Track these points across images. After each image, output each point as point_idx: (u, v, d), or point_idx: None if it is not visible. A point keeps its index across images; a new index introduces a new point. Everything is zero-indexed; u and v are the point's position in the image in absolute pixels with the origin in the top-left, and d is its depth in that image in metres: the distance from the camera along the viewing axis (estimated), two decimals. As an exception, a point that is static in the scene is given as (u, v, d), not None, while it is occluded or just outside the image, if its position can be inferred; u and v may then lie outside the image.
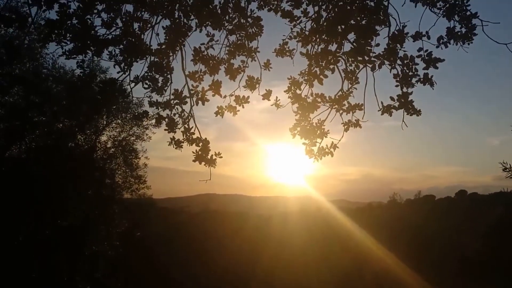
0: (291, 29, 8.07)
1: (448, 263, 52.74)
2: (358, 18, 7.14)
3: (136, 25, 7.36)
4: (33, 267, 23.16)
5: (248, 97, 8.28)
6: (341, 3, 7.40)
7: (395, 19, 6.90)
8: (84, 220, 25.70)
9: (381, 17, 6.97)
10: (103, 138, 30.82)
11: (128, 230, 30.37)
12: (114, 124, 30.82)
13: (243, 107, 8.32)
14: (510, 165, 7.54)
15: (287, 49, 8.39)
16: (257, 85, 8.35)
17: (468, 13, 6.74)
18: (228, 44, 8.36)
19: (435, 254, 55.04)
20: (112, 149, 30.84)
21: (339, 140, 7.84)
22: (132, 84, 7.35)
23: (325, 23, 7.56)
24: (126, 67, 7.27)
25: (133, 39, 7.28)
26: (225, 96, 8.23)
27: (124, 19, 7.23)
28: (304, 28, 7.96)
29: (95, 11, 6.80)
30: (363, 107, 7.61)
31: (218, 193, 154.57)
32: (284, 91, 8.11)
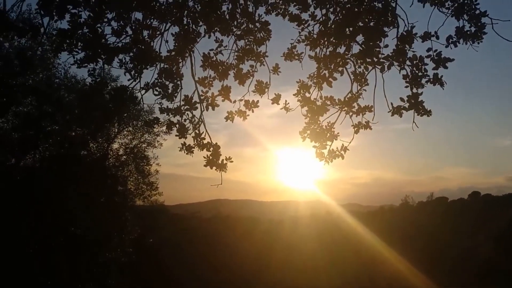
0: (299, 32, 8.08)
1: (462, 268, 52.37)
2: (366, 20, 7.15)
3: (145, 33, 7.41)
4: (47, 274, 23.29)
5: (258, 101, 8.27)
6: (349, 5, 7.39)
7: (404, 20, 6.89)
8: (97, 227, 25.83)
9: (389, 18, 6.98)
10: (115, 145, 31.14)
11: (141, 237, 30.44)
12: (125, 132, 31.12)
13: (252, 111, 8.31)
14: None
15: (295, 52, 8.37)
16: (266, 90, 8.34)
17: (477, 11, 6.68)
18: (236, 49, 8.37)
19: (449, 258, 54.64)
20: (124, 157, 31.07)
21: (349, 142, 7.84)
22: (143, 91, 7.44)
23: (333, 26, 7.58)
24: (136, 74, 7.34)
25: (143, 47, 7.35)
26: (234, 101, 8.23)
27: (133, 27, 7.29)
28: (312, 32, 7.97)
29: (105, 19, 6.87)
30: (373, 109, 7.60)
31: (229, 198, 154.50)
32: (294, 95, 8.11)
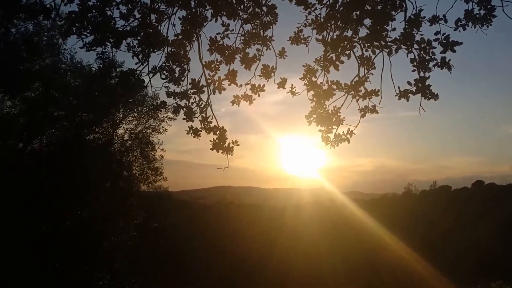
0: (306, 16, 8.07)
1: (465, 256, 52.47)
2: (373, 4, 7.14)
3: (153, 17, 7.44)
4: (56, 257, 23.56)
5: (264, 85, 8.30)
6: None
7: (412, 3, 6.86)
8: (103, 212, 26.05)
9: (397, 2, 6.96)
10: (120, 131, 31.23)
11: (145, 222, 30.65)
12: (130, 117, 31.18)
13: (259, 95, 8.34)
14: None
15: (302, 36, 8.38)
16: (272, 74, 8.35)
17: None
18: (243, 33, 8.37)
19: (452, 247, 54.73)
20: (129, 142, 31.18)
21: (355, 127, 7.86)
22: (150, 75, 7.49)
23: (340, 9, 7.57)
24: (143, 58, 7.38)
25: (150, 30, 7.38)
26: (241, 85, 8.26)
27: (141, 11, 7.31)
28: (319, 15, 7.96)
29: (114, 3, 6.90)
30: (379, 93, 7.59)
31: (232, 185, 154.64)
32: (300, 78, 8.12)
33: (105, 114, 27.34)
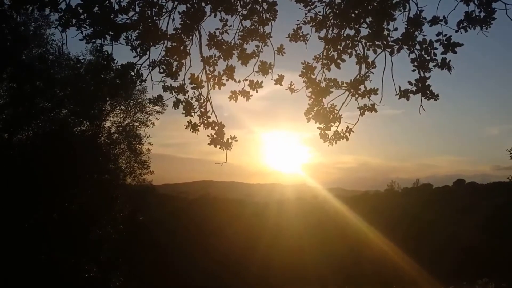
0: (305, 14, 8.10)
1: (446, 251, 53.00)
2: (374, 3, 7.17)
3: (152, 11, 7.41)
4: (41, 250, 23.47)
5: (262, 81, 8.31)
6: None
7: (415, 3, 6.90)
8: (89, 204, 25.98)
9: (396, 0, 6.99)
10: (107, 123, 31.03)
11: (131, 215, 30.56)
12: (118, 110, 30.99)
13: (256, 91, 8.34)
14: (517, 152, 7.61)
15: (300, 34, 8.40)
16: (269, 70, 8.36)
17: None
18: (241, 29, 8.37)
19: (433, 242, 55.26)
20: (116, 135, 30.99)
21: (354, 125, 7.90)
22: (150, 69, 7.46)
23: (340, 7, 7.59)
24: (142, 51, 7.36)
25: (150, 24, 7.35)
26: (239, 81, 8.26)
27: (141, 4, 7.28)
28: (318, 13, 7.98)
29: (115, -3, 6.87)
30: (378, 92, 7.62)
31: (215, 180, 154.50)
32: (299, 75, 8.13)
33: (92, 106, 27.15)
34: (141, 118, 31.45)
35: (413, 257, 47.79)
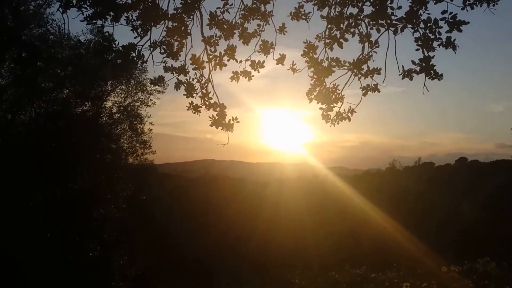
0: (308, -9, 8.02)
1: (447, 230, 53.15)
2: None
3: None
4: (47, 228, 23.66)
5: (264, 61, 8.25)
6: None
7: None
8: (92, 184, 26.12)
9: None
10: (108, 104, 30.89)
11: (133, 194, 30.68)
12: (118, 90, 30.87)
13: (258, 71, 8.29)
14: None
15: (302, 12, 8.31)
16: (271, 50, 8.30)
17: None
18: (242, 8, 8.30)
19: (434, 221, 55.37)
20: (117, 115, 30.93)
21: (357, 105, 7.85)
22: (151, 49, 7.41)
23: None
24: (143, 32, 7.31)
25: (150, 4, 7.29)
26: (240, 61, 8.21)
27: (141, -17, 7.22)
28: (320, -9, 7.89)
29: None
30: (381, 71, 7.55)
31: (215, 159, 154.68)
32: (301, 55, 8.05)
33: (93, 84, 27.12)
34: (142, 98, 31.34)
35: (414, 235, 47.87)
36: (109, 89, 30.25)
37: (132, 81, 30.28)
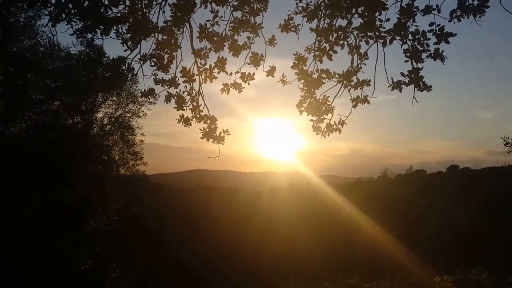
0: (297, 4, 8.05)
1: (439, 238, 53.27)
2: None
3: (142, 3, 7.35)
4: (38, 241, 23.57)
5: (254, 73, 8.27)
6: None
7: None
8: (83, 196, 26.05)
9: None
10: (99, 115, 30.84)
11: (125, 206, 30.62)
12: (109, 101, 30.85)
13: (248, 84, 8.30)
14: (511, 139, 7.58)
15: (292, 24, 8.35)
16: (261, 62, 8.31)
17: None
18: (232, 20, 8.32)
19: (427, 229, 55.50)
20: (108, 126, 30.90)
21: (347, 117, 7.86)
22: (141, 63, 7.42)
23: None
24: (133, 45, 7.31)
25: (139, 17, 7.29)
26: (230, 74, 8.22)
27: (131, -4, 7.23)
28: (310, 3, 7.94)
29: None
30: (371, 83, 7.58)
31: (208, 168, 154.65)
32: (291, 67, 8.07)
33: (84, 96, 27.11)
34: (133, 109, 31.41)
35: (407, 244, 47.96)
36: (100, 100, 30.27)
37: (123, 92, 30.32)
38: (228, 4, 8.13)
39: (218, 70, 8.09)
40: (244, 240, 54.50)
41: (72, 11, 6.58)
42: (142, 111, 31.53)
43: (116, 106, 31.00)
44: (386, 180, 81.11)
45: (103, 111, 30.79)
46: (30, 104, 25.16)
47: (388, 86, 7.02)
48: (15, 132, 25.97)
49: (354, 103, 7.76)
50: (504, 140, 7.59)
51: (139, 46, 7.39)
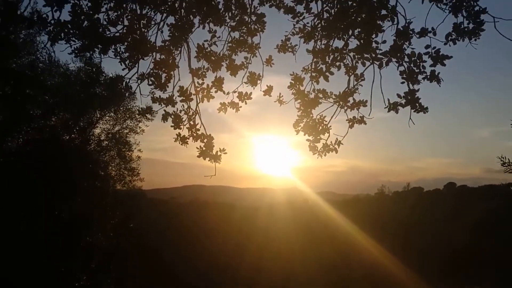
0: (294, 25, 8.10)
1: (435, 254, 53.21)
2: (363, 16, 7.15)
3: (141, 23, 7.40)
4: (32, 257, 23.43)
5: (251, 93, 8.31)
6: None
7: (404, 17, 6.89)
8: (80, 212, 25.97)
9: (384, 12, 6.97)
10: (97, 130, 30.81)
11: (121, 221, 30.54)
12: (107, 117, 30.81)
13: (245, 103, 8.35)
14: (508, 159, 7.60)
15: (289, 45, 8.40)
16: (258, 81, 8.35)
17: (477, 8, 6.65)
18: (230, 40, 8.37)
19: (424, 246, 55.44)
20: (106, 142, 30.89)
21: (343, 137, 7.88)
22: (138, 82, 7.46)
23: (328, 19, 7.59)
24: (131, 64, 7.35)
25: (138, 36, 7.34)
26: (228, 93, 8.26)
27: (129, 17, 7.28)
28: (307, 24, 7.99)
29: (103, 9, 6.87)
30: (367, 104, 7.62)
31: (205, 184, 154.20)
32: (288, 87, 8.10)
33: (82, 113, 27.15)
34: (131, 125, 31.30)
35: (404, 260, 47.94)
36: (98, 116, 30.24)
37: (121, 108, 30.30)
38: (226, 24, 8.19)
39: (216, 90, 8.11)
40: (242, 255, 54.46)
41: (71, 31, 6.62)
42: (140, 127, 31.51)
43: (114, 122, 30.98)
44: (383, 197, 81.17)
45: (100, 127, 30.82)
46: (28, 119, 25.15)
47: (385, 107, 7.05)
48: (13, 147, 25.96)
49: (350, 123, 7.78)
50: (501, 160, 7.61)
51: (137, 65, 7.44)
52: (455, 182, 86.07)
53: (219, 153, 7.85)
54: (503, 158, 7.58)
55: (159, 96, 7.76)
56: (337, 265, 53.14)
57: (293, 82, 8.05)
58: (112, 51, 7.22)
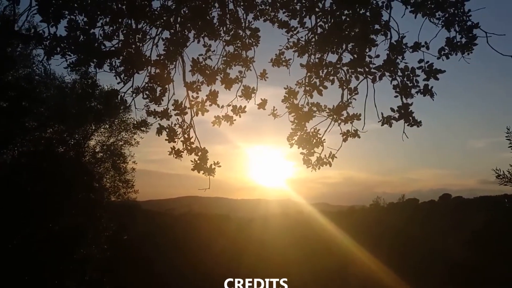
0: (288, 39, 8.15)
1: (432, 267, 53.08)
2: (357, 30, 7.21)
3: (136, 37, 7.44)
4: (25, 270, 23.29)
5: (245, 106, 8.34)
6: (338, 13, 7.43)
7: (397, 31, 6.94)
8: (74, 224, 25.88)
9: (379, 27, 7.02)
10: (92, 142, 30.88)
11: (116, 233, 30.45)
12: (102, 129, 30.86)
13: (240, 116, 8.38)
14: (503, 172, 7.66)
15: (283, 59, 8.44)
16: (252, 95, 8.40)
17: (469, 23, 6.73)
18: (224, 54, 8.43)
19: (419, 258, 55.30)
20: (100, 154, 30.91)
21: (337, 150, 7.90)
22: (133, 95, 7.50)
23: (322, 34, 7.64)
24: (126, 78, 7.38)
25: (133, 51, 7.38)
26: (222, 106, 8.30)
27: (124, 31, 7.32)
28: (301, 38, 8.04)
29: (99, 24, 6.92)
30: (361, 117, 7.65)
31: (200, 195, 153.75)
32: (282, 101, 8.13)
33: (78, 125, 27.18)
34: (126, 137, 31.45)
35: (400, 273, 47.82)
36: (93, 128, 30.29)
37: (116, 120, 30.35)
38: (220, 38, 8.27)
39: (210, 103, 8.15)
40: (237, 266, 54.20)
41: (67, 46, 6.66)
42: (135, 139, 31.62)
43: (109, 134, 31.09)
44: (378, 209, 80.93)
45: (95, 139, 30.91)
46: (23, 132, 25.14)
47: (378, 121, 7.09)
48: (7, 159, 25.93)
49: (344, 137, 7.81)
50: (496, 172, 7.67)
51: (132, 79, 7.48)
52: (450, 193, 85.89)
53: (213, 166, 7.88)
54: (498, 170, 7.64)
55: (154, 109, 7.80)
56: (333, 277, 52.93)
57: (287, 95, 8.07)
58: (108, 65, 7.25)
